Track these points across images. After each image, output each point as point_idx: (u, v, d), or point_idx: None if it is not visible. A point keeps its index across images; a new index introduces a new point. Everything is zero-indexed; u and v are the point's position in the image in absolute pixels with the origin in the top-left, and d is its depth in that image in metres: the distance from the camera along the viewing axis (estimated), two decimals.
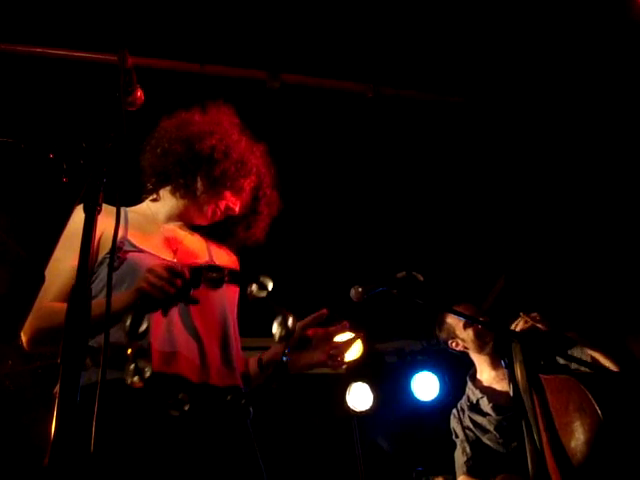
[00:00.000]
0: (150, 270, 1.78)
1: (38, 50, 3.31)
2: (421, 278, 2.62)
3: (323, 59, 3.58)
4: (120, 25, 3.17)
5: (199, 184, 2.27)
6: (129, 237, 2.09)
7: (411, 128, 4.04)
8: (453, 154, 4.26)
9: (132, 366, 1.65)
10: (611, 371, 3.18)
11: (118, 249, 2.01)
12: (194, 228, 2.36)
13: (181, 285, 1.77)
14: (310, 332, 2.13)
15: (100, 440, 1.29)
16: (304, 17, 3.36)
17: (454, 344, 3.78)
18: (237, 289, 2.27)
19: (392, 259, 4.63)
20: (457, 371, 5.62)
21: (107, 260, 1.98)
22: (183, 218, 2.34)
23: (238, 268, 2.38)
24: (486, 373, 3.68)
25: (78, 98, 3.44)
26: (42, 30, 3.26)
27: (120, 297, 1.80)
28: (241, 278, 1.96)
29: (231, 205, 2.31)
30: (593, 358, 3.21)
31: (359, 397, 5.57)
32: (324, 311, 2.12)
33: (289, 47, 3.50)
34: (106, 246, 2.01)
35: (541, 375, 3.13)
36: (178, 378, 1.89)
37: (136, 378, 1.65)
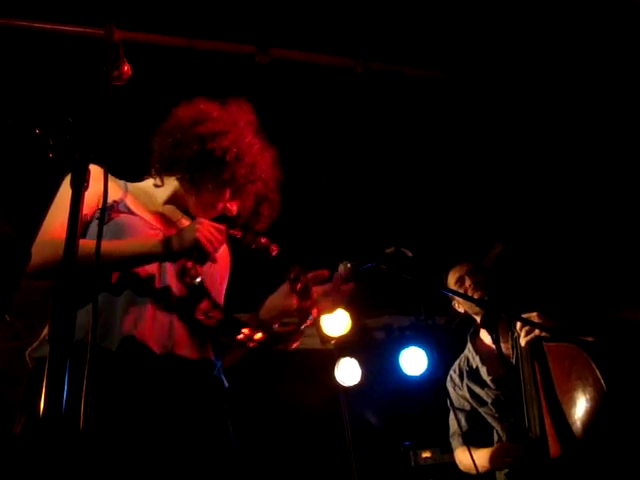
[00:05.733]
0: (202, 223, 1.94)
1: (23, 24, 3.26)
2: (410, 254, 2.65)
3: (313, 34, 3.54)
4: None
5: (205, 182, 2.27)
6: (126, 201, 2.13)
7: (400, 102, 4.01)
8: (445, 124, 4.23)
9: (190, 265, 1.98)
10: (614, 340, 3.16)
11: (112, 207, 2.07)
12: (188, 214, 2.38)
13: (222, 242, 1.98)
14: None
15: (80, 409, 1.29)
16: None
17: (455, 305, 3.72)
18: (228, 263, 2.36)
19: (385, 230, 4.62)
20: (445, 346, 5.67)
21: (97, 215, 2.05)
22: (180, 204, 2.36)
23: (229, 257, 2.41)
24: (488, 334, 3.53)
25: (64, 72, 3.40)
26: (28, 3, 3.21)
27: (163, 242, 1.95)
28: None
29: (230, 207, 2.34)
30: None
31: (347, 372, 5.59)
32: (325, 272, 2.17)
33: (278, 21, 3.45)
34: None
35: (544, 342, 3.18)
36: (143, 347, 1.90)
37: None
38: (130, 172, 2.36)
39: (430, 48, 3.73)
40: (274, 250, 2.12)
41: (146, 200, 2.27)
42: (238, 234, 2.14)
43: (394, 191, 4.75)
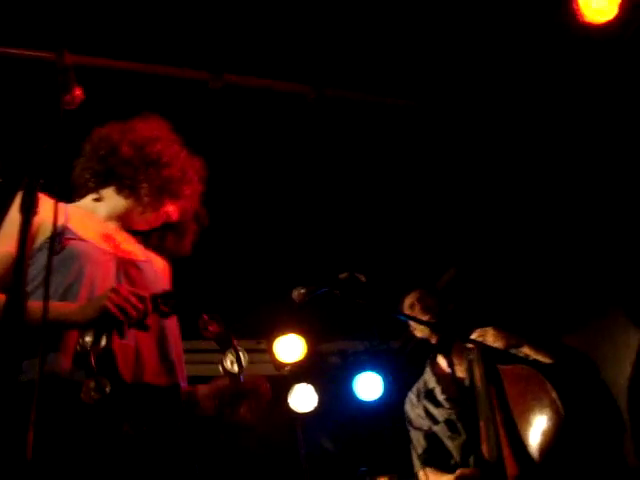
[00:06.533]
0: (115, 290, 1.80)
1: None
2: (363, 279, 2.74)
3: (267, 60, 3.55)
4: (58, 23, 3.10)
5: (143, 186, 2.28)
6: (70, 226, 2.09)
7: (354, 128, 4.04)
8: (399, 150, 4.27)
9: (92, 384, 1.70)
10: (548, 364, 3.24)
11: (59, 235, 2.00)
12: (131, 233, 2.37)
13: (142, 310, 1.82)
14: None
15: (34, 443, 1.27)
16: (246, 16, 3.33)
17: (413, 330, 3.76)
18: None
19: (338, 256, 4.61)
20: (400, 370, 5.81)
21: (47, 245, 1.97)
22: (123, 220, 2.34)
23: (171, 275, 2.40)
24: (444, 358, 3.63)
25: (14, 97, 3.35)
26: None
27: (77, 309, 1.83)
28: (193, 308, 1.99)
29: (171, 212, 2.36)
30: (526, 354, 3.29)
31: (302, 398, 5.54)
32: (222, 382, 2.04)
33: (232, 47, 3.46)
34: (45, 232, 1.99)
35: (499, 365, 3.22)
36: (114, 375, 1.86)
37: (94, 394, 1.69)
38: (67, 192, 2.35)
39: (388, 75, 3.76)
40: (211, 329, 2.01)
41: (87, 219, 2.25)
42: (166, 309, 1.94)
43: (348, 216, 4.76)
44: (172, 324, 2.15)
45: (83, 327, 1.81)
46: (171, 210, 2.36)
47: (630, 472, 3.49)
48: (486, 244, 4.76)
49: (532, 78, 3.74)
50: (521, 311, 4.40)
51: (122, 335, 1.83)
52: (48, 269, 1.50)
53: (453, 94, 3.85)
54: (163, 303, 1.92)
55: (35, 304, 1.47)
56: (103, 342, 1.77)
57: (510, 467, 2.96)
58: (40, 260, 1.98)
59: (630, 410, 3.64)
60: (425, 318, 3.54)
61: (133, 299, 1.81)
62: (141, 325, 1.86)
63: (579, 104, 3.83)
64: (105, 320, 1.78)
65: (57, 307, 1.82)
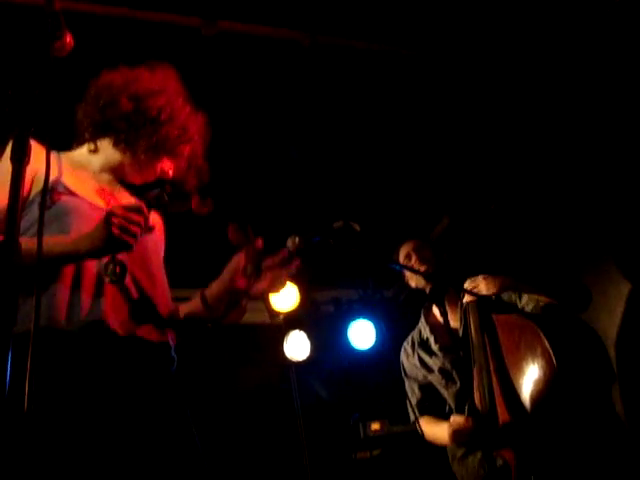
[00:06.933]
0: (113, 214, 1.80)
1: None
2: (358, 228, 2.70)
3: (261, 5, 3.47)
4: None
5: (141, 142, 2.25)
6: (63, 180, 2.07)
7: (349, 76, 3.97)
8: (393, 99, 4.20)
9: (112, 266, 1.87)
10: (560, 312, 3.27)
11: (52, 190, 2.00)
12: (125, 185, 2.36)
13: (144, 221, 1.85)
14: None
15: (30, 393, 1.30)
16: None
17: (407, 280, 3.78)
18: (163, 238, 2.37)
19: (333, 205, 4.61)
20: (393, 319, 5.86)
21: (39, 199, 1.96)
22: (117, 173, 2.32)
23: (164, 229, 2.43)
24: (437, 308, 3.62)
25: (3, 43, 3.27)
26: None
27: (86, 240, 1.84)
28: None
29: (166, 169, 2.33)
30: (538, 301, 3.30)
31: (296, 346, 5.56)
32: (285, 253, 2.15)
33: None
34: (39, 185, 1.97)
35: (493, 314, 3.30)
36: (104, 327, 1.91)
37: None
38: (61, 140, 2.28)
39: (380, 22, 3.68)
40: (207, 207, 2.10)
41: (81, 171, 2.23)
42: (164, 201, 2.04)
43: (342, 166, 4.71)
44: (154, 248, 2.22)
45: (92, 257, 1.87)
46: (167, 167, 2.33)
47: (618, 421, 3.54)
48: (479, 193, 4.67)
49: (528, 21, 3.68)
50: (513, 263, 4.37)
51: (130, 250, 1.86)
52: (40, 224, 1.47)
53: (447, 40, 3.79)
54: (158, 199, 1.99)
55: (31, 242, 1.46)
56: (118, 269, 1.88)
57: (502, 414, 3.00)
58: (32, 213, 1.97)
59: (619, 360, 3.71)
60: (422, 269, 3.56)
61: (132, 215, 1.82)
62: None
63: (578, 52, 3.78)
64: (114, 245, 1.82)
65: (56, 241, 1.84)
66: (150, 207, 1.93)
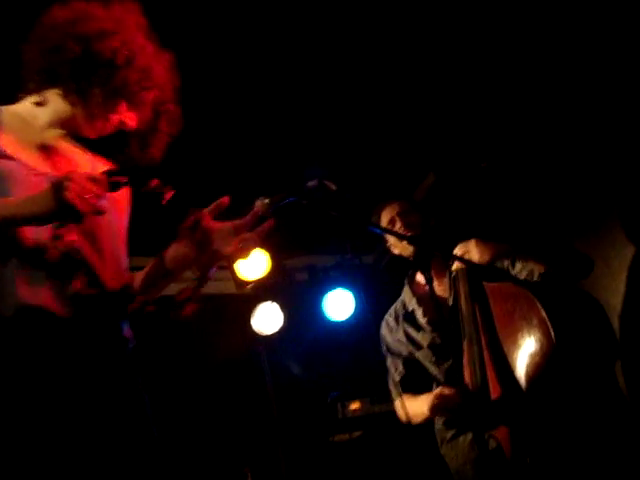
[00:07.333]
0: (71, 179, 1.73)
1: None
2: (334, 187, 2.62)
3: None
4: None
5: (94, 91, 2.09)
6: (0, 142, 1.97)
7: (333, 16, 3.74)
8: (376, 49, 4.00)
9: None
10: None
11: None
12: (78, 139, 2.22)
13: (101, 195, 1.79)
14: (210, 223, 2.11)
15: None
16: None
17: (390, 246, 3.69)
18: (125, 208, 2.28)
19: (307, 161, 4.40)
20: (373, 288, 5.72)
21: None
22: (67, 127, 2.18)
23: (129, 201, 2.34)
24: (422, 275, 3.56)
25: None
26: None
27: (29, 200, 1.78)
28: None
29: (127, 120, 2.19)
30: (533, 268, 3.20)
31: (267, 319, 5.46)
32: (225, 199, 2.09)
33: None
34: None
35: (485, 282, 3.21)
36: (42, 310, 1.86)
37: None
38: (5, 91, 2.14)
39: None
40: (167, 194, 1.98)
41: (25, 129, 2.09)
42: (123, 179, 1.90)
43: (317, 117, 4.52)
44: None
45: (41, 223, 1.80)
46: (127, 117, 2.17)
47: (620, 398, 3.41)
48: (469, 149, 4.56)
49: None
50: (507, 228, 4.29)
51: (80, 221, 1.80)
52: None
53: None
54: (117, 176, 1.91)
55: None
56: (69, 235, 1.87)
57: (494, 391, 2.94)
58: None
59: (622, 330, 3.62)
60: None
61: (91, 185, 1.75)
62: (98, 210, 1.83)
63: None
64: (66, 212, 1.73)
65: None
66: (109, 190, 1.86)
